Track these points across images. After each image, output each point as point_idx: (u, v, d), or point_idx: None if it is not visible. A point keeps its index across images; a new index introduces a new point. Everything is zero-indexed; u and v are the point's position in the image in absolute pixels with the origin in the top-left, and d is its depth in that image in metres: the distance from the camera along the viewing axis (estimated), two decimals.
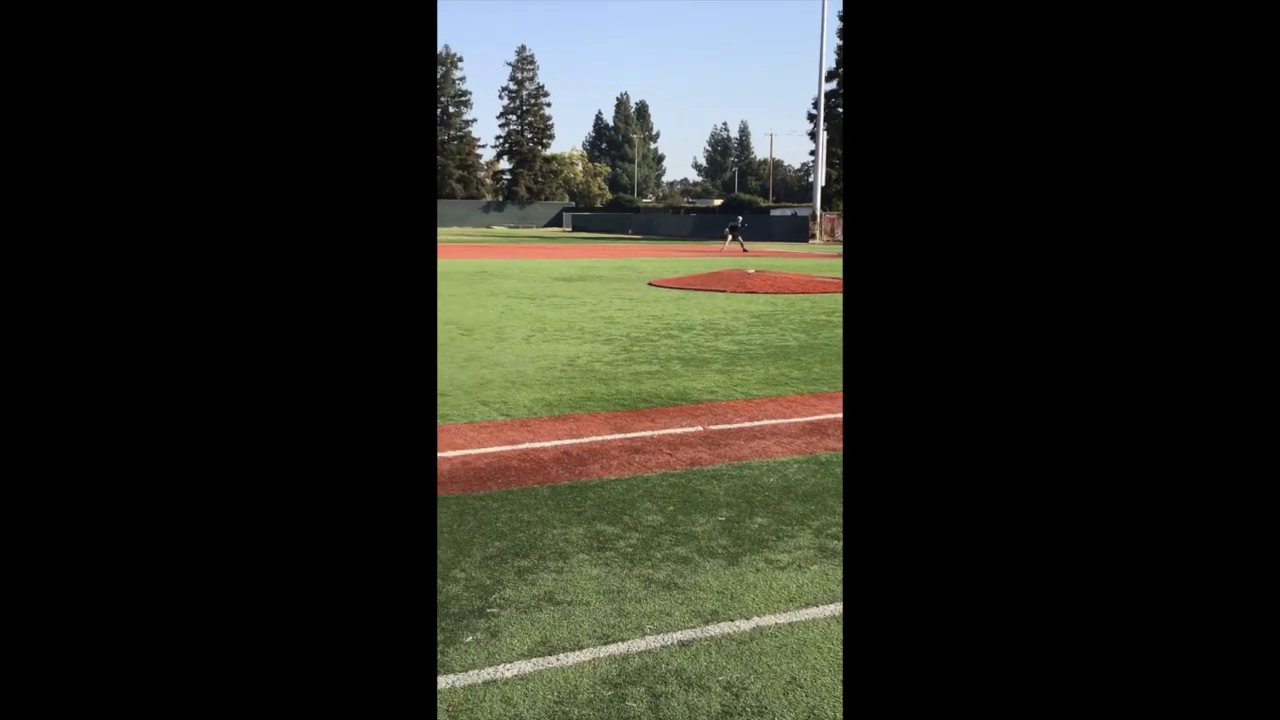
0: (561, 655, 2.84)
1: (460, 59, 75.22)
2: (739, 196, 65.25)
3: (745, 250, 32.08)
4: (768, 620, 3.10)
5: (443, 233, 52.25)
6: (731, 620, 3.10)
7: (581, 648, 2.89)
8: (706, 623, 3.08)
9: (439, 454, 5.24)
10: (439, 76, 73.13)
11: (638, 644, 2.92)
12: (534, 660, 2.81)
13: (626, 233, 56.58)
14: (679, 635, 2.98)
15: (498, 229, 63.99)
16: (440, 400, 6.66)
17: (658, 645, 2.92)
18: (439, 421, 6.01)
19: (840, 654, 2.86)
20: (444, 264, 23.24)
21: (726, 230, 35.00)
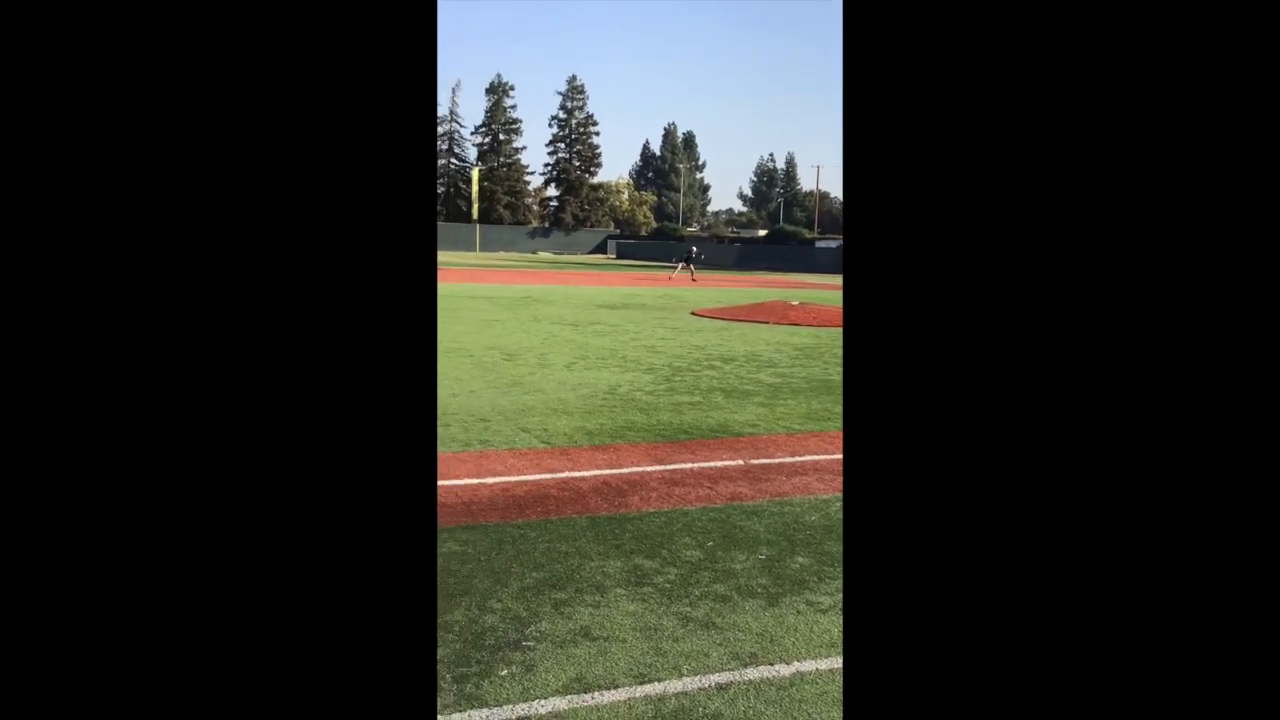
0: (597, 693, 2.80)
1: (512, 88, 76.51)
2: (784, 227, 65.15)
3: (694, 279, 32.37)
4: (808, 666, 3.02)
5: (489, 257, 52.86)
6: (771, 664, 3.02)
7: (617, 686, 2.84)
8: (745, 665, 3.01)
9: (479, 480, 5.24)
10: (490, 105, 74.38)
11: (674, 685, 2.86)
12: (569, 697, 2.77)
13: (671, 261, 56.78)
14: (717, 678, 2.92)
15: (543, 254, 64.60)
16: (482, 426, 6.68)
17: (695, 687, 2.86)
18: (480, 448, 6.02)
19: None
20: (489, 289, 23.48)
21: (680, 259, 36.00)
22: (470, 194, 65.49)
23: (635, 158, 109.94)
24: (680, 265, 34.88)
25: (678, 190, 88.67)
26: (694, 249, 37.38)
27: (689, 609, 3.46)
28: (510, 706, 2.71)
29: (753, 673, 2.96)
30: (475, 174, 66.00)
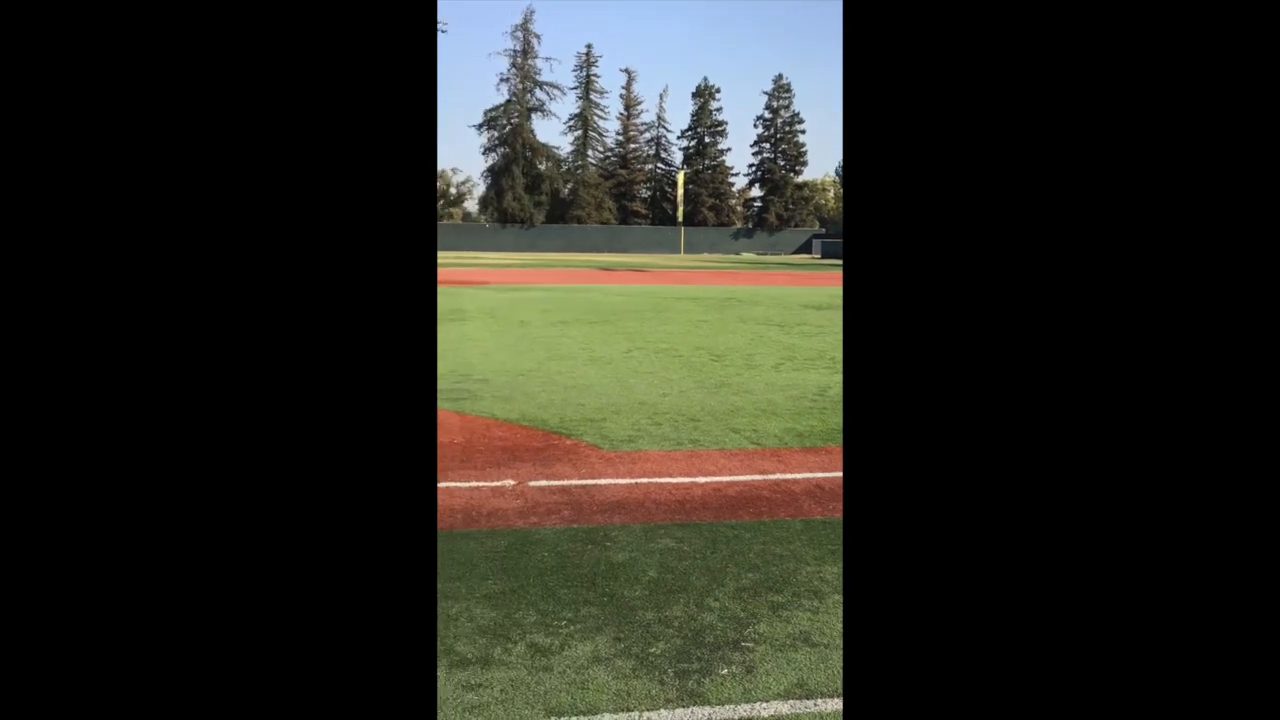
0: (820, 700, 2.74)
1: (718, 90, 77.03)
2: None
3: None
4: None
5: (693, 259, 53.51)
6: None
7: (840, 695, 2.77)
8: None
9: (691, 479, 5.30)
10: (696, 109, 75.24)
11: None
12: (790, 702, 2.73)
13: None
14: None
15: (747, 255, 64.55)
16: (692, 425, 6.76)
17: None
18: (691, 447, 6.09)
19: None
20: (695, 290, 23.75)
21: None
22: (675, 197, 66.55)
23: (841, 154, 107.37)
24: None
25: None
26: None
27: None
28: (732, 706, 2.71)
29: None
30: (680, 177, 67.00)
